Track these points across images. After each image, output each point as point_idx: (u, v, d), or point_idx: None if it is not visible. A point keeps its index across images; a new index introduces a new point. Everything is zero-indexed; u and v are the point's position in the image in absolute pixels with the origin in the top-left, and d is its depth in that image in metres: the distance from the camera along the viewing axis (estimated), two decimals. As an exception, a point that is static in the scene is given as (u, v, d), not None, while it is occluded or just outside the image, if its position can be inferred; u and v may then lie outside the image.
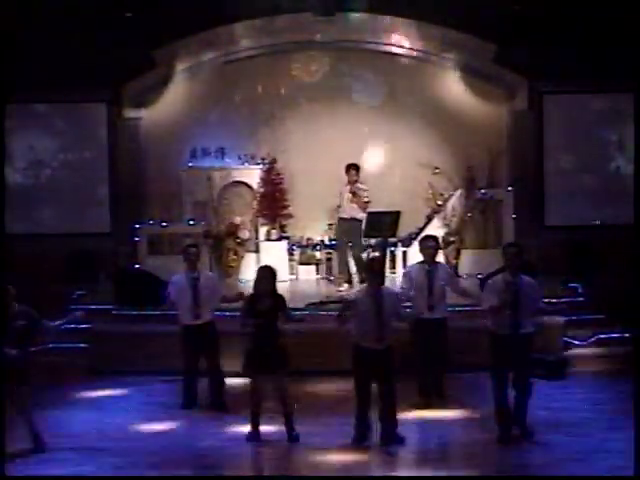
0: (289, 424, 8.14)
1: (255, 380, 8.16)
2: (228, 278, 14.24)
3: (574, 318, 11.34)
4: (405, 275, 9.14)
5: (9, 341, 7.67)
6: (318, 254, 14.76)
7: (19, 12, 13.49)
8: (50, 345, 10.68)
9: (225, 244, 14.30)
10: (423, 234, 12.89)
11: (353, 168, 12.87)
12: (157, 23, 13.81)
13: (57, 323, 8.29)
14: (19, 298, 7.94)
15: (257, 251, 14.60)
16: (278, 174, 14.69)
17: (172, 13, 13.77)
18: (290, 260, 14.45)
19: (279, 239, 14.58)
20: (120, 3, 13.69)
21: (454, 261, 13.99)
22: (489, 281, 8.18)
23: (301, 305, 11.23)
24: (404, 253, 14.21)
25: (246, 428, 8.37)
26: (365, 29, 14.72)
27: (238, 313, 10.29)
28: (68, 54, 13.86)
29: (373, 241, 13.64)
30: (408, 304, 9.09)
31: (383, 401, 7.95)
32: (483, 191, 14.52)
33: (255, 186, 14.77)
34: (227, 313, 10.13)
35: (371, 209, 12.67)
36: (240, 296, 8.72)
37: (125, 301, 11.88)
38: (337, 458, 7.71)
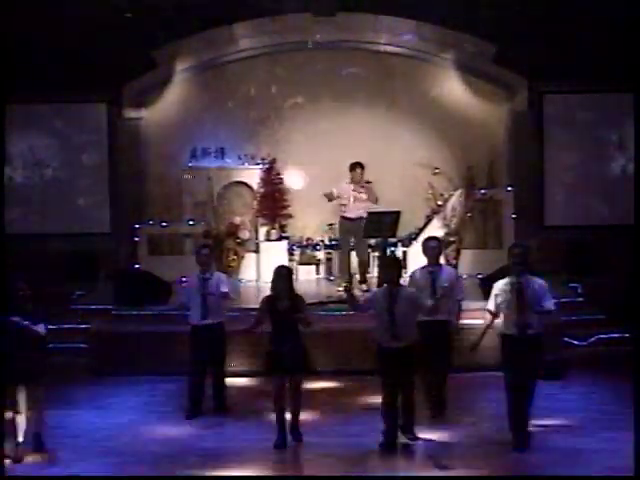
0: (294, 423, 8.17)
1: (276, 382, 8.16)
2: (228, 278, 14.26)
3: (574, 318, 11.34)
4: (410, 278, 9.11)
5: (26, 342, 7.68)
6: (318, 254, 14.78)
7: (19, 12, 13.49)
8: (50, 345, 10.63)
9: (225, 244, 14.30)
10: (424, 235, 12.98)
11: (359, 167, 12.84)
12: (157, 23, 13.81)
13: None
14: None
15: (257, 251, 14.60)
16: (278, 174, 14.71)
17: (172, 13, 13.78)
18: (290, 260, 14.40)
19: (279, 239, 14.58)
20: (120, 3, 13.69)
21: (454, 261, 13.93)
22: (495, 283, 8.15)
23: None
24: (404, 253, 14.20)
25: (248, 431, 8.42)
26: (365, 29, 14.73)
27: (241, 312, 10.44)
28: (68, 54, 13.87)
29: (373, 241, 13.64)
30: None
31: (402, 401, 7.97)
32: (483, 191, 14.52)
33: (255, 186, 14.78)
34: (235, 313, 10.19)
35: (371, 209, 12.66)
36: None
37: (125, 301, 11.88)
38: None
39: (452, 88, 15.05)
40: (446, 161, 14.75)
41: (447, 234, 13.97)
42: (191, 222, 14.55)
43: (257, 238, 14.71)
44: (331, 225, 14.74)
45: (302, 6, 14.51)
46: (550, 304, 8.02)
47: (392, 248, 14.11)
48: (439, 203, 14.34)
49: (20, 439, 7.83)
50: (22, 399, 7.84)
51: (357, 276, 12.92)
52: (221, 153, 14.81)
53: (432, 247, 9.09)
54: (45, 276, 13.14)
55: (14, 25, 13.50)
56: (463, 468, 7.55)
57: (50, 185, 14.82)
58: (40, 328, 7.84)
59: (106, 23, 13.73)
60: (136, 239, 14.46)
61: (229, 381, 9.60)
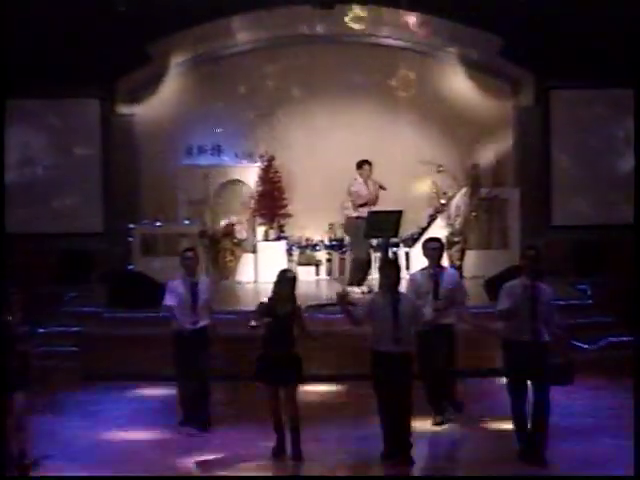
0: (295, 440, 8.04)
1: (269, 393, 8.09)
2: (225, 280, 14.23)
3: (582, 321, 11.26)
4: (410, 281, 9.01)
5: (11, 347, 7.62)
6: (318, 255, 14.75)
7: (9, 6, 13.41)
8: (39, 348, 10.58)
9: (221, 244, 14.31)
10: (427, 235, 12.90)
11: (366, 164, 12.80)
12: (151, 16, 13.74)
13: None
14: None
15: (254, 252, 14.57)
16: (276, 172, 14.67)
17: (167, 6, 13.70)
18: (289, 261, 14.41)
19: (277, 239, 14.56)
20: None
21: (458, 262, 13.86)
22: (506, 284, 8.06)
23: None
24: (406, 254, 14.14)
25: (235, 440, 8.38)
26: (366, 22, 14.65)
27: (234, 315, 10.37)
28: (59, 48, 13.80)
29: (374, 242, 13.58)
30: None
31: (397, 409, 7.86)
32: (488, 190, 14.48)
33: (253, 184, 14.74)
34: (232, 316, 10.12)
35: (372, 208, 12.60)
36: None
37: (118, 303, 11.82)
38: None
39: (456, 83, 15.04)
40: (450, 158, 14.71)
41: (451, 234, 13.92)
42: (186, 222, 14.53)
43: (255, 238, 14.68)
44: (332, 225, 14.73)
45: (300, -1, 14.48)
46: (556, 317, 7.99)
47: (394, 249, 14.06)
48: (443, 202, 14.29)
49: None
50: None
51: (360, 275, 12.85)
52: (217, 150, 14.82)
53: (433, 248, 9.00)
54: (36, 277, 13.11)
55: (5, 19, 13.40)
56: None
57: (41, 183, 14.76)
58: (24, 333, 7.73)
59: (99, 16, 13.64)
60: (129, 239, 14.42)
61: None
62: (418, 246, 13.31)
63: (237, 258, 14.42)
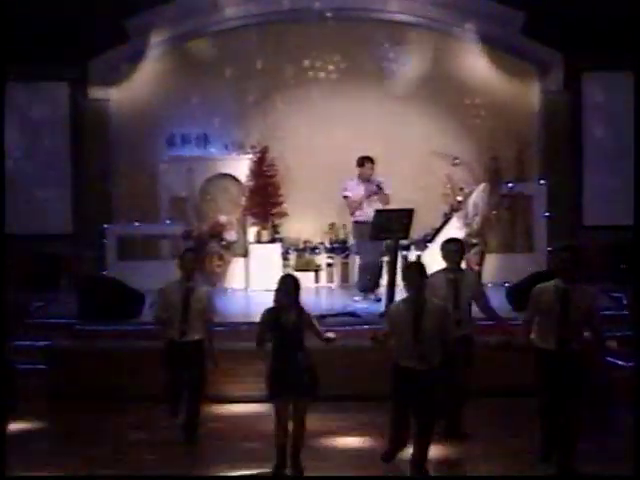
0: (295, 452, 8.17)
1: (278, 406, 8.15)
2: (212, 287, 14.18)
3: (617, 334, 11.27)
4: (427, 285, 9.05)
5: None
6: (318, 259, 14.81)
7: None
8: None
9: (208, 247, 14.34)
10: (441, 236, 12.93)
11: (368, 161, 12.85)
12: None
13: None
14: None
15: (246, 255, 14.62)
16: (270, 165, 14.71)
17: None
18: (285, 266, 14.43)
19: (272, 241, 14.60)
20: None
21: (477, 267, 13.81)
22: (536, 287, 8.14)
23: None
24: (418, 258, 14.16)
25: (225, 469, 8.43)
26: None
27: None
28: (24, 23, 13.82)
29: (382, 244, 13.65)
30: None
31: (417, 433, 7.93)
32: (510, 185, 14.52)
33: (244, 179, 14.79)
34: (221, 328, 10.18)
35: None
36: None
37: (91, 314, 11.85)
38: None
39: (475, 64, 15.08)
40: (467, 150, 14.79)
41: (468, 235, 13.87)
42: (168, 221, 14.60)
43: (246, 240, 14.73)
44: (333, 225, 14.79)
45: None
46: (597, 318, 8.04)
47: (404, 252, 14.11)
48: (459, 199, 14.34)
49: None
50: None
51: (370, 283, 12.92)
52: (204, 140, 14.88)
53: (454, 251, 9.06)
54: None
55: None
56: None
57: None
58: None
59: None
60: (104, 242, 14.47)
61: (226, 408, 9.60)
62: (431, 249, 13.43)
63: (226, 263, 14.47)
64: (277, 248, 14.56)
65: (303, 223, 14.93)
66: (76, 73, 14.69)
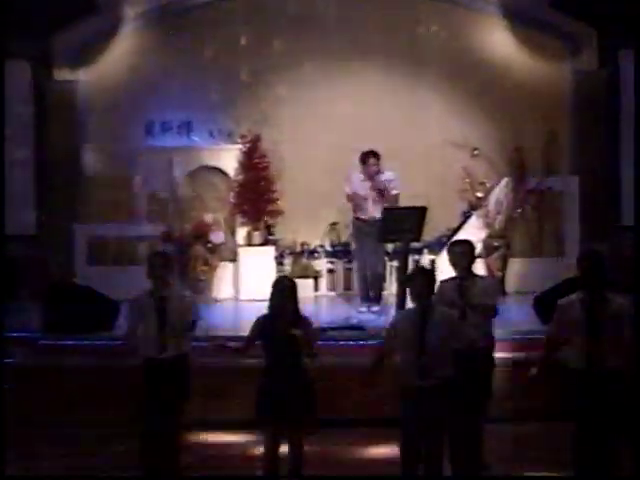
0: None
1: (269, 433, 8.12)
2: (197, 296, 14.13)
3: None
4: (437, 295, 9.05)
5: None
6: (317, 264, 14.85)
7: None
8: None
9: (192, 251, 14.35)
10: (459, 238, 12.92)
11: (372, 156, 12.81)
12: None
13: None
14: None
15: (235, 260, 14.64)
16: (263, 156, 14.74)
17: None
18: (279, 272, 14.36)
19: (264, 244, 14.64)
20: None
21: (499, 273, 13.96)
22: (561, 301, 8.14)
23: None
24: (432, 262, 14.13)
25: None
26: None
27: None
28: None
29: (390, 247, 13.65)
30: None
31: (426, 461, 7.90)
32: (538, 179, 14.55)
33: (232, 172, 14.84)
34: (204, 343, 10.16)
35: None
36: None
37: (57, 327, 11.81)
38: None
39: (497, 41, 15.16)
40: (488, 139, 14.85)
41: (490, 237, 14.00)
42: (147, 221, 14.64)
43: (235, 242, 14.76)
44: (334, 225, 14.84)
45: None
46: (629, 334, 7.99)
47: (416, 256, 14.11)
48: (479, 195, 14.41)
49: None
50: None
51: (371, 293, 12.93)
52: (186, 128, 14.92)
53: (460, 254, 9.05)
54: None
55: None
56: None
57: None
58: None
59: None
60: (72, 244, 14.48)
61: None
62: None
63: (212, 268, 14.48)
64: (270, 252, 14.59)
65: (300, 223, 14.95)
66: (39, 51, 14.64)
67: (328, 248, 14.93)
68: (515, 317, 11.84)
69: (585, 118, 14.96)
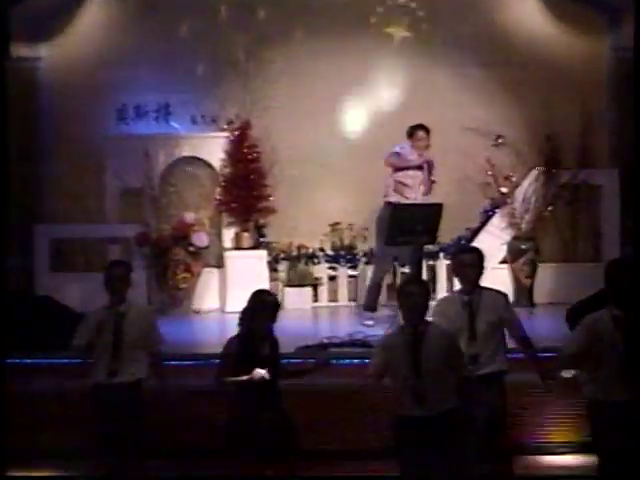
0: None
1: (243, 466, 8.15)
2: (176, 307, 14.28)
3: None
4: (436, 310, 8.97)
5: None
6: (316, 270, 14.88)
7: None
8: None
9: (171, 255, 14.34)
10: (480, 239, 12.86)
11: (422, 129, 12.80)
12: None
13: None
14: None
15: (220, 265, 14.67)
16: (253, 146, 14.73)
17: None
18: (273, 279, 14.50)
19: (255, 247, 14.64)
20: None
21: (527, 281, 13.96)
22: (585, 318, 8.05)
23: (289, 349, 11.05)
24: (449, 268, 14.09)
25: None
26: None
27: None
28: None
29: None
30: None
31: None
32: (572, 172, 14.51)
33: (218, 164, 14.83)
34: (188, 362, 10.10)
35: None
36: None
37: (13, 344, 11.73)
38: None
39: (524, 14, 15.21)
40: (514, 125, 14.87)
41: (516, 239, 14.03)
42: (119, 221, 14.63)
43: (221, 245, 14.77)
44: (336, 225, 14.81)
45: None
46: None
47: (430, 261, 14.04)
48: (504, 191, 14.42)
49: None
50: None
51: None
52: (164, 113, 14.92)
53: (468, 264, 8.95)
54: None
55: None
56: None
57: None
58: None
59: None
60: (32, 248, 14.44)
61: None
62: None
63: (194, 275, 14.47)
64: (262, 256, 14.59)
65: (297, 223, 14.91)
66: (-6, 24, 14.64)
67: (329, 252, 14.94)
68: (545, 332, 11.75)
69: (627, 101, 14.83)
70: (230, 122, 14.78)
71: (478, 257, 9.01)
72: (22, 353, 11.58)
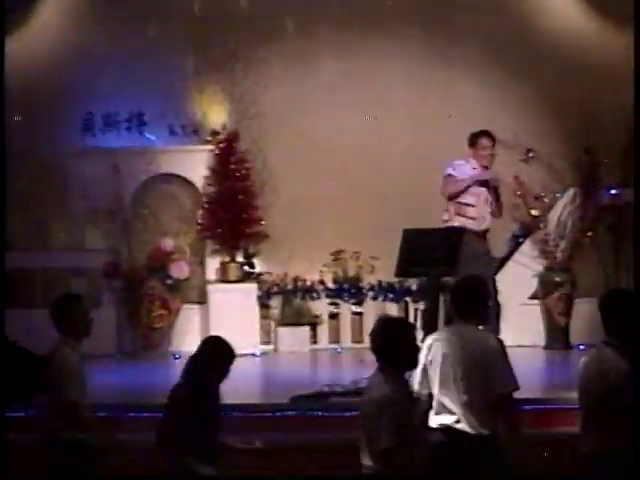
0: None
1: None
2: (151, 350, 14.28)
3: None
4: (425, 350, 8.78)
5: None
6: (315, 307, 14.89)
7: None
8: None
9: (145, 288, 14.35)
10: (508, 270, 12.67)
11: (486, 136, 12.64)
12: None
13: None
14: None
15: (203, 301, 14.67)
16: (242, 161, 14.77)
17: None
18: (263, 317, 14.54)
19: (243, 279, 14.64)
20: None
21: (562, 319, 13.98)
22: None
23: (282, 400, 11.07)
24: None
25: None
26: None
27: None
28: None
29: (414, 283, 13.75)
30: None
31: None
32: (614, 191, 14.55)
33: (200, 183, 14.83)
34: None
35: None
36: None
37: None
38: None
39: (555, 8, 15.24)
40: (546, 137, 14.86)
41: (549, 269, 14.07)
42: (85, 249, 14.65)
43: (204, 277, 14.77)
44: (339, 253, 14.76)
45: None
46: None
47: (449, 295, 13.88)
48: (534, 213, 14.44)
49: None
50: None
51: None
52: (138, 122, 14.92)
53: (464, 299, 8.76)
54: None
55: None
56: None
57: None
58: None
59: None
60: (-17, 279, 14.29)
61: None
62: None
63: (172, 313, 14.50)
64: (252, 290, 14.66)
65: (292, 251, 14.84)
66: None
67: (330, 285, 14.93)
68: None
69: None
70: (214, 133, 14.84)
71: (481, 287, 8.86)
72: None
